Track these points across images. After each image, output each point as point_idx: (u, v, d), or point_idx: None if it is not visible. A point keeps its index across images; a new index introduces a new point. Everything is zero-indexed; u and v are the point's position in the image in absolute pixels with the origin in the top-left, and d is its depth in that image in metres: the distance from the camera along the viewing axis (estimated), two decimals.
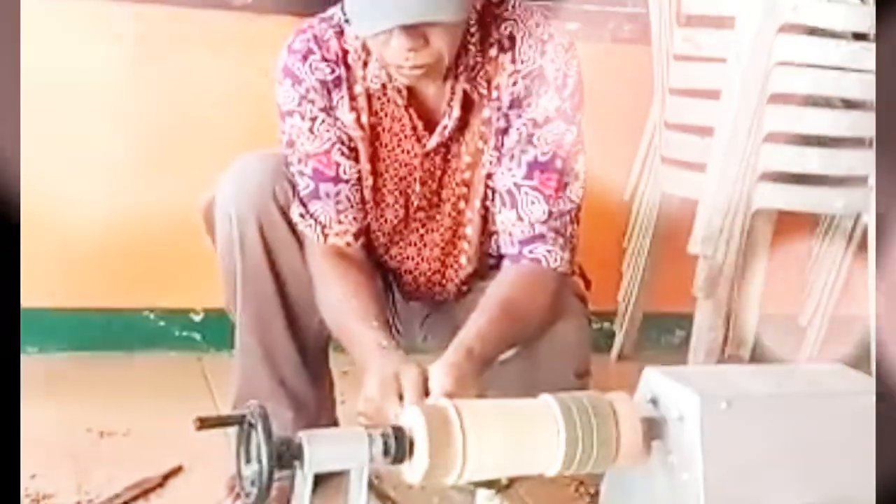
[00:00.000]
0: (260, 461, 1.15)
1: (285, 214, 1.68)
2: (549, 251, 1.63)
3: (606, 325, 2.81)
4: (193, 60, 2.50)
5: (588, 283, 1.84)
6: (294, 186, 1.67)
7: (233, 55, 2.51)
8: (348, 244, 1.67)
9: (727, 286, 2.35)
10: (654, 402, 1.35)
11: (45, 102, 2.38)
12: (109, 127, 2.47)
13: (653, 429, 1.32)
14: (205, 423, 1.19)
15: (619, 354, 2.78)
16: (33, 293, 2.37)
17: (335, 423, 1.85)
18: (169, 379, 2.41)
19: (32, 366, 2.33)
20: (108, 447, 2.00)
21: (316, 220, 1.66)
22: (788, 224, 2.69)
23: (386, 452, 1.21)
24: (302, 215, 1.66)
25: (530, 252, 1.63)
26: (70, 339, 2.52)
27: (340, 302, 1.60)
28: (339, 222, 1.67)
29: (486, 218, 1.70)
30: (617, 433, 1.29)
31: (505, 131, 1.64)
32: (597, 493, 1.87)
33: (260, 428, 1.15)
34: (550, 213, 1.63)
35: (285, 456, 1.16)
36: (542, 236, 1.63)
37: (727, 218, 2.29)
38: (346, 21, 1.60)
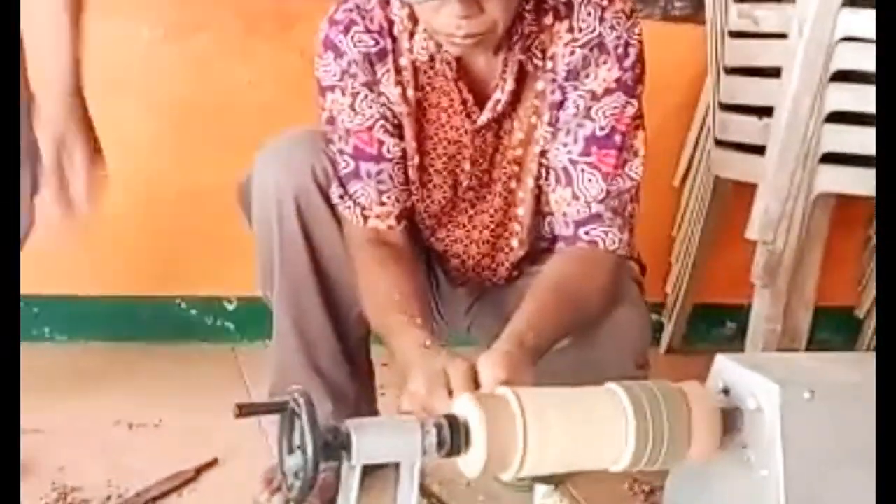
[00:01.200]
0: (304, 451, 1.07)
1: (325, 194, 1.60)
2: (606, 232, 1.54)
3: (654, 316, 2.71)
4: (228, 38, 2.44)
5: (644, 269, 1.76)
6: (334, 166, 1.58)
7: (268, 33, 2.45)
8: (390, 227, 1.59)
9: (786, 275, 2.26)
10: (725, 392, 1.26)
11: None
12: (141, 108, 2.42)
13: (727, 421, 1.22)
14: (244, 411, 1.11)
15: (668, 347, 2.71)
16: (62, 281, 2.34)
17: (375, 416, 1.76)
18: (201, 370, 2.36)
19: (60, 355, 2.31)
20: (138, 440, 1.95)
21: (355, 202, 1.57)
22: (846, 210, 2.60)
23: (440, 444, 1.12)
24: (341, 196, 1.58)
25: (586, 233, 1.54)
26: (99, 327, 2.47)
27: (381, 296, 1.50)
28: (381, 204, 1.58)
29: (539, 198, 1.62)
30: (689, 426, 1.19)
31: (560, 105, 1.55)
32: (652, 492, 1.79)
33: (304, 415, 1.07)
34: (608, 192, 1.54)
35: (332, 446, 1.08)
36: (598, 216, 1.54)
37: (787, 203, 2.21)
38: None
